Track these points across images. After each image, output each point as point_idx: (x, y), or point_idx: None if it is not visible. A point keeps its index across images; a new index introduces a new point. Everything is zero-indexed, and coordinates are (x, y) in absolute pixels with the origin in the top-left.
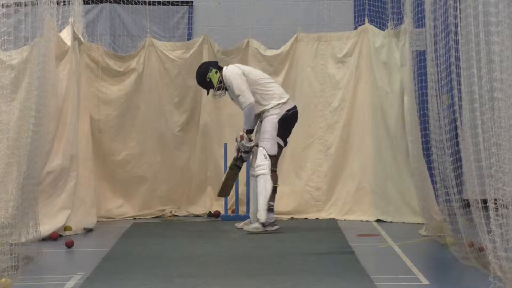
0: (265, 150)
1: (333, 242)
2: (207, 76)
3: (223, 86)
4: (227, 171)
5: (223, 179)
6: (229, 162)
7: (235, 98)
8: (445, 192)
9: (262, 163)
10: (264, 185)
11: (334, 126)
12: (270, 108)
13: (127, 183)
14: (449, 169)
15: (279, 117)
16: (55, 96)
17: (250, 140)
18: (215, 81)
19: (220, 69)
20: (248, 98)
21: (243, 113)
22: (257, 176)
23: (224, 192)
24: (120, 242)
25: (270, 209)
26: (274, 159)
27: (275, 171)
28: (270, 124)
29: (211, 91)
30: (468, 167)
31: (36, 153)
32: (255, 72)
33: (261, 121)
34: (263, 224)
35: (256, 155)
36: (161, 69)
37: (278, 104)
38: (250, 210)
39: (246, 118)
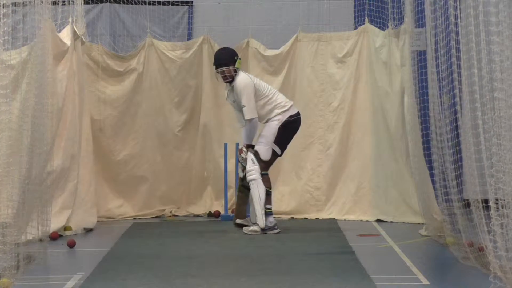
0: (259, 154)
1: (333, 242)
2: (236, 57)
3: (231, 80)
4: (237, 195)
5: (235, 205)
6: (229, 162)
7: (237, 106)
8: (445, 192)
9: (251, 168)
10: (256, 190)
11: (334, 126)
12: (273, 116)
13: (127, 183)
14: (449, 169)
15: (280, 123)
16: (54, 95)
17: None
18: (238, 64)
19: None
20: (253, 112)
21: (245, 128)
22: (248, 182)
23: (240, 215)
24: (120, 242)
25: (268, 213)
26: (265, 164)
27: (267, 174)
28: (269, 129)
29: (219, 70)
30: (469, 167)
31: (38, 152)
32: (262, 85)
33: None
34: (263, 229)
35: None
36: (161, 69)
37: (281, 112)
38: (249, 209)
39: (248, 132)
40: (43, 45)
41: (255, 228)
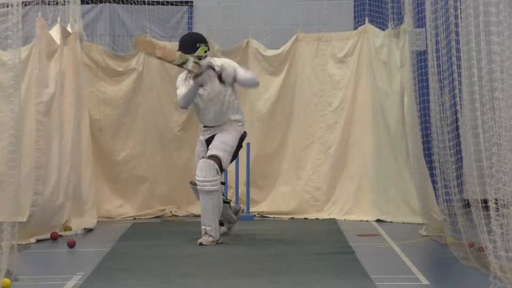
0: (222, 162)
1: (333, 242)
2: (199, 43)
3: (199, 65)
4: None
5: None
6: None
7: (226, 77)
8: (445, 192)
9: (214, 178)
10: (217, 202)
11: (334, 126)
12: (235, 120)
13: (127, 183)
14: (450, 169)
15: (240, 135)
16: (46, 94)
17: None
18: (199, 53)
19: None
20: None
21: (250, 79)
22: (207, 191)
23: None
24: (120, 242)
25: (220, 224)
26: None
27: (224, 184)
28: (232, 138)
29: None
30: (469, 167)
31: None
32: None
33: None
34: (217, 241)
35: (203, 166)
36: (161, 68)
37: (243, 123)
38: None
39: (249, 78)
40: (39, 44)
41: (211, 239)
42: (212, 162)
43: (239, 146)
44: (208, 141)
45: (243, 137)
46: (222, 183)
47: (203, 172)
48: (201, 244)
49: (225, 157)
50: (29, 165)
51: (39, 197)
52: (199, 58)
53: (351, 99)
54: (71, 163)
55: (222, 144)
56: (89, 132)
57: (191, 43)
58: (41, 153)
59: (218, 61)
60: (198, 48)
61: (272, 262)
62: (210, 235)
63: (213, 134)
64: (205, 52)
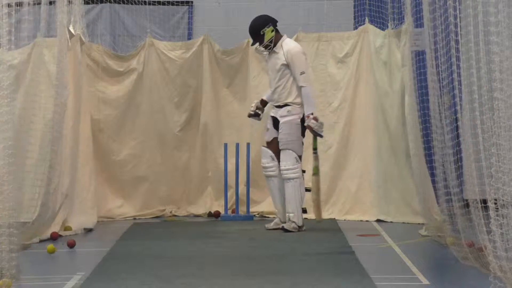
0: (295, 152)
1: (333, 242)
2: (262, 30)
3: (271, 47)
4: (313, 186)
5: (314, 198)
6: (229, 162)
7: (276, 69)
8: (445, 192)
9: (294, 166)
10: (298, 190)
11: (335, 126)
12: (296, 105)
13: (127, 183)
14: (450, 169)
15: (300, 118)
16: (65, 95)
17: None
18: (267, 37)
19: (277, 30)
20: (310, 80)
21: (307, 96)
22: (289, 178)
23: (319, 211)
24: (120, 242)
25: (303, 211)
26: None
27: (304, 172)
28: (294, 125)
29: (257, 44)
30: (468, 167)
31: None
32: None
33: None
34: (300, 227)
35: (284, 156)
36: (161, 69)
37: (298, 104)
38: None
39: (312, 100)
40: (60, 44)
41: (294, 225)
42: (290, 151)
43: (303, 126)
44: (274, 120)
45: (302, 119)
46: (303, 171)
47: (284, 161)
48: (283, 228)
49: (295, 146)
50: (30, 164)
51: (49, 197)
52: (270, 41)
53: (351, 99)
54: (69, 163)
55: (288, 136)
56: (90, 132)
57: (256, 33)
58: (54, 153)
59: (286, 47)
60: (263, 34)
61: (272, 262)
62: (292, 221)
63: (275, 115)
64: (272, 31)
